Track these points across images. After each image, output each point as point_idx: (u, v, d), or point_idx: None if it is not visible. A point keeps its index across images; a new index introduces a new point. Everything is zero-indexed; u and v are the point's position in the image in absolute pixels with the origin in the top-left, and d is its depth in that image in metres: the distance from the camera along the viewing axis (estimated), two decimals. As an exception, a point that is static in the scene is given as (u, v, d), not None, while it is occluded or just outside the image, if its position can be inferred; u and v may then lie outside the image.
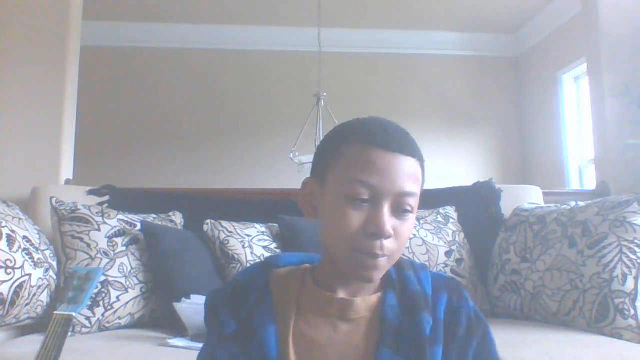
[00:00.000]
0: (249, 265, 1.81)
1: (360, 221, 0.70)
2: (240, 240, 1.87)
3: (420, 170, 0.74)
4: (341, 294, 0.75)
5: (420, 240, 1.91)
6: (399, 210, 0.71)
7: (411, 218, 0.73)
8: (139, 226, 1.81)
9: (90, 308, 1.59)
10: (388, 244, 0.70)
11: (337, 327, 0.74)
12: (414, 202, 0.72)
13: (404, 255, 1.88)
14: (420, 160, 0.74)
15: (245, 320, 0.76)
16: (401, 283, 0.77)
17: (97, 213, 1.78)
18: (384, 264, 0.72)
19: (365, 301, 0.75)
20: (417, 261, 1.86)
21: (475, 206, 2.16)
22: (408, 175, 0.71)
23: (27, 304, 1.51)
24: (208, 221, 1.92)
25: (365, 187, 0.70)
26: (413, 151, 0.73)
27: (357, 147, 0.72)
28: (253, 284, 0.79)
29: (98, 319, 1.60)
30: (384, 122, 0.76)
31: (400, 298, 0.76)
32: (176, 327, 1.56)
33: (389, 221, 0.70)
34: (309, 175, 0.80)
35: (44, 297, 1.58)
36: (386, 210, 0.70)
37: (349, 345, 0.73)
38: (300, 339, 0.74)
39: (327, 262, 0.76)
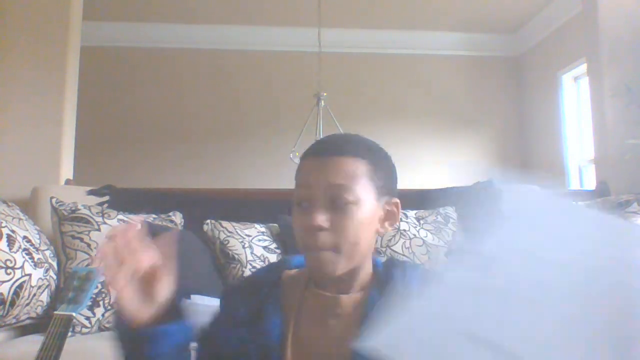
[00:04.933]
0: (248, 265, 1.81)
1: (303, 221, 0.78)
2: (240, 240, 1.87)
3: (360, 167, 0.79)
4: (330, 292, 0.81)
5: (420, 240, 1.91)
6: (336, 204, 0.77)
7: (353, 210, 0.77)
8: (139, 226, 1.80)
9: (91, 308, 1.59)
10: (324, 236, 0.77)
11: (327, 323, 0.80)
12: (349, 194, 0.77)
13: (404, 256, 1.88)
14: (361, 157, 0.80)
15: (255, 309, 0.83)
16: (386, 281, 0.81)
17: (97, 213, 1.78)
18: (330, 257, 0.77)
19: (351, 298, 0.81)
20: (417, 261, 1.85)
21: (475, 206, 2.16)
22: (337, 171, 0.78)
23: (27, 304, 1.51)
24: (208, 221, 1.92)
25: (301, 189, 0.79)
26: (348, 151, 0.80)
27: (301, 161, 0.84)
28: (266, 280, 0.87)
29: (98, 319, 1.60)
30: (330, 135, 0.86)
31: (383, 295, 0.79)
32: (176, 327, 1.56)
33: (320, 214, 0.76)
34: None
35: (44, 297, 1.58)
36: (319, 205, 0.77)
37: (335, 340, 0.79)
38: (298, 332, 0.81)
39: None
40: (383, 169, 0.83)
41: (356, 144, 0.83)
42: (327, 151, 0.81)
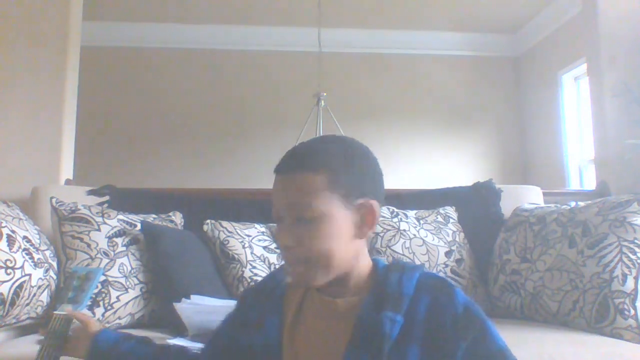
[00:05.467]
0: (248, 265, 1.81)
1: (277, 237, 0.84)
2: (240, 240, 1.87)
3: (317, 181, 0.79)
4: (328, 296, 0.83)
5: (420, 240, 1.91)
6: (299, 220, 0.79)
7: (317, 224, 0.78)
8: (139, 226, 1.81)
9: (90, 308, 1.59)
10: (293, 253, 0.79)
11: (322, 325, 0.82)
12: (309, 211, 0.78)
13: (404, 256, 1.88)
14: (319, 170, 0.79)
15: (260, 309, 0.88)
16: (382, 285, 0.81)
17: (97, 213, 1.78)
18: (302, 271, 0.80)
19: (347, 302, 0.81)
20: (418, 262, 1.85)
21: (475, 206, 2.16)
22: (295, 189, 0.80)
23: (27, 304, 1.51)
24: (208, 221, 1.92)
25: (274, 208, 0.83)
26: (305, 166, 0.80)
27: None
28: (272, 280, 0.91)
29: (98, 319, 1.60)
30: (295, 148, 0.85)
31: (376, 299, 0.79)
32: (176, 327, 1.56)
33: (286, 233, 0.80)
34: None
35: (44, 297, 1.58)
36: (286, 223, 0.80)
37: (329, 342, 0.80)
38: (295, 333, 0.83)
39: None
40: (349, 173, 0.81)
41: (314, 155, 0.81)
42: (286, 168, 0.82)
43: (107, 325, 1.62)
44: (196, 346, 1.38)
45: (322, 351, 0.80)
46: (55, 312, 1.12)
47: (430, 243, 1.91)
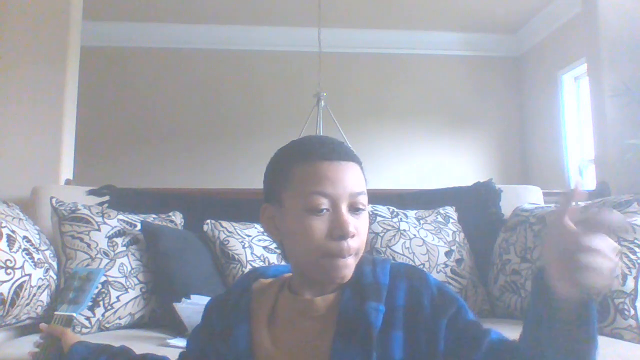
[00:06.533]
0: (248, 265, 1.81)
1: (324, 228, 0.77)
2: (240, 240, 1.87)
3: (361, 171, 0.83)
4: (307, 296, 0.83)
5: (420, 240, 1.91)
6: (354, 210, 0.79)
7: (365, 214, 0.81)
8: (139, 226, 1.81)
9: (91, 308, 1.59)
10: (352, 242, 0.78)
11: (303, 325, 0.82)
12: (364, 199, 0.80)
13: (404, 256, 1.88)
14: (359, 163, 0.83)
15: (227, 319, 0.87)
16: (357, 278, 0.82)
17: (97, 213, 1.78)
18: (352, 262, 0.80)
19: (325, 300, 0.82)
20: (418, 262, 1.85)
21: (475, 206, 2.16)
22: (354, 178, 0.80)
23: (27, 304, 1.51)
24: (208, 221, 1.92)
25: (323, 197, 0.77)
26: (352, 156, 0.82)
27: (305, 165, 0.80)
28: (237, 289, 0.90)
29: (98, 319, 1.60)
30: (319, 138, 0.85)
31: (355, 292, 0.80)
32: (176, 327, 1.56)
33: (350, 222, 0.78)
34: None
35: (44, 297, 1.58)
36: (345, 212, 0.78)
37: (312, 340, 0.80)
38: (272, 337, 0.83)
39: (296, 272, 0.86)
40: None
41: (350, 148, 0.84)
42: (343, 155, 0.81)
43: (107, 325, 1.62)
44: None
45: (306, 352, 0.80)
46: (56, 312, 1.12)
47: (430, 243, 1.91)
